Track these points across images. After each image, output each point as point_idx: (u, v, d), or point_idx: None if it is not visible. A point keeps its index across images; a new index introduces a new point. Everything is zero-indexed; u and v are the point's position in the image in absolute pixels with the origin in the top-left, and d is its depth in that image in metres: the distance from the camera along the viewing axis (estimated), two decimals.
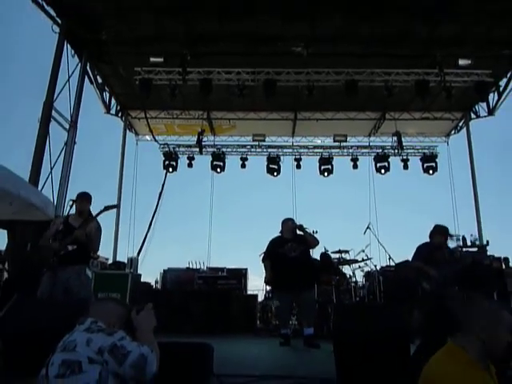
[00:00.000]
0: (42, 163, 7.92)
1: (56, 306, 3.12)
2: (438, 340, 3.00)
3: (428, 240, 5.39)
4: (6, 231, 7.01)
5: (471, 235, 7.68)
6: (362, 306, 5.62)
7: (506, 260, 8.67)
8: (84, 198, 4.86)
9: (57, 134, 8.51)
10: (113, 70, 10.04)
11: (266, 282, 5.95)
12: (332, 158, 12.28)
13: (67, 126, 8.83)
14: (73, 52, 8.96)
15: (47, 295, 4.31)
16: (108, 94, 11.34)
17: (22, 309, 3.03)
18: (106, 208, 4.79)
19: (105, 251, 10.34)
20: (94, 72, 10.16)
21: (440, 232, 5.33)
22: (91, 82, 10.29)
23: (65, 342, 2.03)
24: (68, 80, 8.77)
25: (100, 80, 10.62)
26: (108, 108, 11.47)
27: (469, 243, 7.50)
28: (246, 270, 9.35)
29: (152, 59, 9.16)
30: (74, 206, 4.86)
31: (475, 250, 7.56)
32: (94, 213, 4.84)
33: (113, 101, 11.62)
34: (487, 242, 7.73)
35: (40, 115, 7.98)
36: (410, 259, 5.51)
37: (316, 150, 12.72)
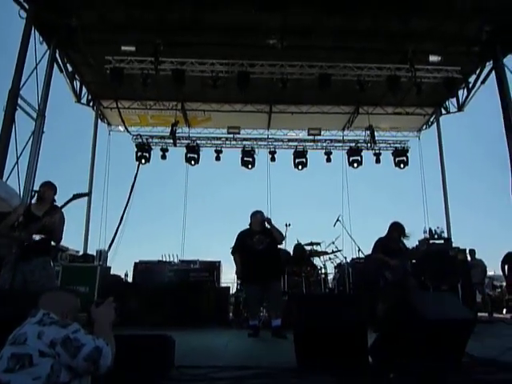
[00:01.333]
0: (7, 153, 7.67)
1: (10, 298, 3.04)
2: (396, 330, 3.09)
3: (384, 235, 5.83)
4: None
5: (437, 227, 7.91)
6: (325, 296, 5.73)
7: (472, 252, 8.97)
8: (48, 187, 4.60)
9: (24, 123, 8.28)
10: (83, 57, 9.76)
11: (236, 275, 5.98)
12: (306, 152, 12.38)
13: (35, 116, 8.58)
14: (41, 39, 8.68)
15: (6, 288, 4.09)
16: (79, 83, 11.05)
17: None
18: (75, 196, 4.45)
19: (75, 244, 10.15)
20: (63, 60, 9.88)
21: (396, 228, 5.74)
22: (61, 71, 10.01)
23: (15, 335, 1.99)
24: (35, 67, 8.51)
25: (70, 68, 10.33)
26: (79, 97, 11.19)
27: (435, 235, 7.72)
28: (219, 262, 9.35)
29: (123, 48, 8.97)
30: (38, 195, 4.54)
31: (441, 241, 7.78)
32: (60, 204, 4.50)
33: (84, 90, 11.33)
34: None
35: (5, 104, 7.73)
36: None
37: (291, 143, 12.79)
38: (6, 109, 7.67)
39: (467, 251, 8.36)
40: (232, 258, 5.79)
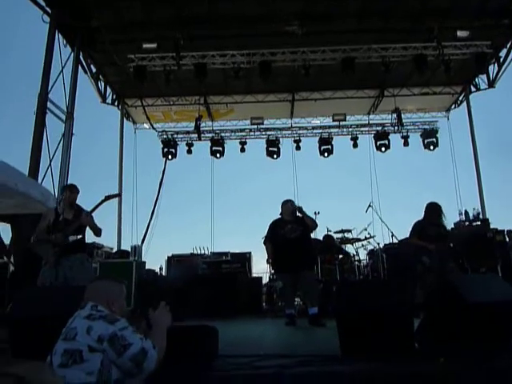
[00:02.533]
0: (40, 156, 7.88)
1: (60, 293, 3.14)
2: (441, 314, 3.02)
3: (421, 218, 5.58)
4: (9, 225, 7.06)
5: (473, 209, 7.67)
6: (364, 282, 5.66)
7: (510, 232, 8.66)
8: (70, 190, 4.84)
9: (54, 125, 8.48)
10: (106, 58, 9.92)
11: (268, 264, 5.99)
12: (332, 138, 12.21)
13: (64, 118, 8.78)
14: (64, 42, 8.85)
15: (49, 284, 4.35)
16: (103, 83, 11.23)
17: (29, 298, 3.06)
18: (107, 197, 4.75)
19: (109, 241, 10.39)
20: (87, 61, 10.04)
21: (432, 209, 5.48)
22: (85, 72, 10.18)
23: (66, 330, 2.03)
24: (62, 70, 8.68)
25: (94, 69, 10.51)
26: (104, 97, 11.38)
27: (471, 217, 7.49)
28: (249, 253, 9.40)
29: (145, 45, 9.05)
30: (64, 198, 4.82)
31: (478, 223, 7.55)
32: (93, 205, 4.75)
33: (108, 90, 11.51)
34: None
35: (35, 108, 7.93)
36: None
37: (315, 131, 12.65)
38: (37, 113, 7.87)
39: (505, 232, 8.08)
40: (264, 247, 5.80)
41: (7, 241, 7.16)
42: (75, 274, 4.48)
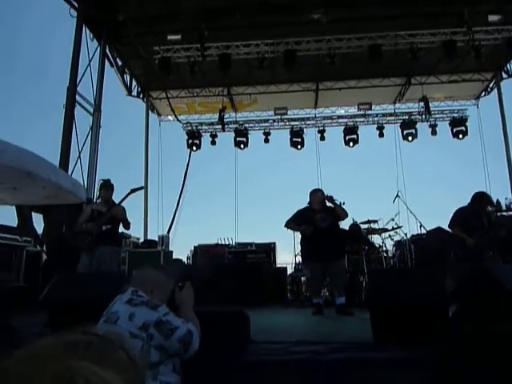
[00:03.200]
0: (70, 148, 8.09)
1: (95, 279, 3.23)
2: (475, 303, 2.96)
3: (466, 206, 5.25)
4: (41, 215, 7.28)
5: (506, 199, 7.45)
6: (396, 270, 5.59)
7: None
8: (109, 188, 5.48)
9: (82, 118, 8.67)
10: (132, 51, 10.03)
11: (300, 232, 5.78)
12: (357, 128, 12.03)
13: (91, 110, 8.95)
14: (91, 35, 9.00)
15: (86, 271, 4.80)
16: (128, 76, 11.37)
17: (63, 284, 3.16)
18: (133, 190, 5.30)
19: (135, 231, 10.60)
20: (113, 54, 10.17)
21: (480, 199, 5.16)
22: (111, 65, 10.33)
23: (108, 313, 2.09)
24: (89, 64, 8.84)
25: (120, 62, 10.65)
26: (129, 90, 11.53)
27: (504, 207, 7.28)
28: (274, 244, 9.39)
29: (169, 37, 9.08)
30: (100, 195, 5.53)
31: (511, 213, 7.33)
32: (120, 198, 5.36)
33: (134, 82, 11.66)
34: None
35: (64, 101, 8.11)
36: (443, 226, 5.45)
37: (340, 120, 12.50)
38: (66, 106, 8.05)
39: None
40: (288, 229, 5.79)
41: (40, 230, 7.40)
42: (108, 261, 4.99)
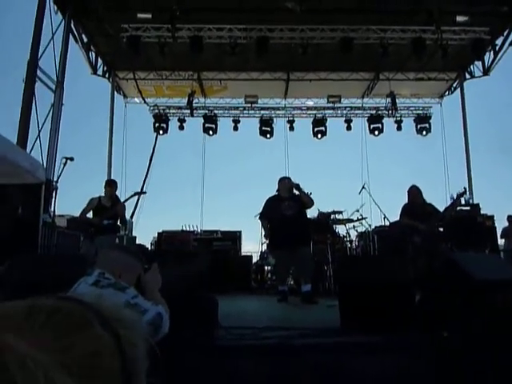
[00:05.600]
0: (29, 125, 7.66)
1: (56, 261, 3.07)
2: (439, 290, 3.06)
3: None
4: None
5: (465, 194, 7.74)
6: (365, 258, 5.72)
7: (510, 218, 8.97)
8: (113, 185, 6.28)
9: (43, 95, 8.22)
10: (98, 27, 9.55)
11: (265, 238, 6.01)
12: (326, 120, 12.14)
13: (53, 87, 8.51)
14: (56, 8, 8.51)
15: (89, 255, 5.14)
16: (94, 54, 10.88)
17: (21, 265, 2.99)
18: (135, 193, 6.39)
19: None
20: (78, 30, 9.68)
21: (413, 191, 5.74)
22: (76, 41, 9.84)
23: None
24: (52, 38, 8.36)
25: (85, 39, 10.15)
26: (94, 68, 11.04)
27: (462, 201, 7.57)
28: (240, 232, 9.38)
29: (139, 15, 8.75)
30: (105, 191, 6.17)
31: (468, 208, 7.65)
32: (123, 199, 6.38)
33: (99, 61, 11.18)
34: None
35: (24, 75, 7.66)
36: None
37: (309, 112, 12.56)
38: (26, 80, 7.60)
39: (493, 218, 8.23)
40: (260, 223, 5.80)
41: None
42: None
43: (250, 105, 12.25)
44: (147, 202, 10.33)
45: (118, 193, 6.63)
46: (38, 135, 8.05)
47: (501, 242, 8.75)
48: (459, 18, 8.92)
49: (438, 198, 7.84)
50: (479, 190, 11.08)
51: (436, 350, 2.43)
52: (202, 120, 12.08)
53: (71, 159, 6.36)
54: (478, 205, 7.79)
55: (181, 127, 12.21)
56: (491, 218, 7.56)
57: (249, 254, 9.01)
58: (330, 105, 12.19)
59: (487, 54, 10.80)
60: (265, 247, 7.94)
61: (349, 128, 12.28)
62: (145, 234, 13.69)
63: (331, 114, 12.35)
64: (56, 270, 2.66)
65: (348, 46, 8.96)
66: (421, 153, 14.63)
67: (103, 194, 6.19)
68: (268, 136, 12.11)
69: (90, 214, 6.14)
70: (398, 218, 6.26)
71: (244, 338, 2.65)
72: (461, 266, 2.77)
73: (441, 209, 5.75)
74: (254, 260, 8.51)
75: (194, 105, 11.54)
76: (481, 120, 19.40)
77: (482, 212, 7.64)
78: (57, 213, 7.79)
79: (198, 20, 8.92)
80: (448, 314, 2.71)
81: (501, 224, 8.98)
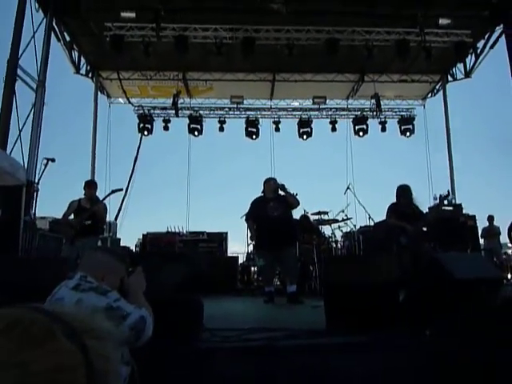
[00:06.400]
0: (9, 125, 7.50)
1: (35, 264, 2.99)
2: (426, 289, 3.08)
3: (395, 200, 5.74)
4: None
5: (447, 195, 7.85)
6: (350, 258, 5.73)
7: (490, 218, 9.17)
8: (92, 186, 6.10)
9: (24, 95, 8.05)
10: (81, 26, 9.41)
11: (251, 240, 6.00)
12: (311, 121, 12.19)
13: (35, 86, 8.34)
14: (37, 6, 8.34)
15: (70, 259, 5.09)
16: (77, 53, 10.71)
17: (3, 265, 2.91)
18: (113, 191, 6.06)
19: None
20: (60, 28, 9.52)
21: (402, 191, 5.65)
22: (58, 40, 9.67)
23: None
24: (33, 36, 8.20)
25: (68, 37, 9.98)
26: (77, 68, 10.87)
27: (445, 202, 7.68)
28: (226, 233, 9.35)
29: (123, 14, 8.64)
30: (84, 193, 6.00)
31: (451, 208, 7.76)
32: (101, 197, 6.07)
33: (82, 60, 11.00)
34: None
35: (4, 74, 7.49)
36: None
37: (295, 113, 12.59)
38: (6, 79, 7.43)
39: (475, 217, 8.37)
40: (246, 224, 5.77)
41: None
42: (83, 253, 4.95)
43: (235, 105, 12.22)
44: (132, 203, 10.19)
45: (101, 194, 6.51)
46: (19, 135, 7.88)
47: (482, 240, 8.96)
48: (442, 21, 9.05)
49: (422, 199, 7.94)
50: (461, 190, 11.29)
51: (421, 348, 2.44)
52: (187, 120, 11.99)
53: (52, 160, 6.26)
54: (460, 205, 7.92)
55: (166, 128, 12.10)
56: (473, 217, 7.70)
57: (235, 255, 8.98)
58: (316, 106, 12.25)
59: (469, 57, 11.01)
60: (251, 248, 7.91)
61: (334, 129, 12.35)
62: (129, 236, 13.52)
63: (316, 115, 12.40)
64: (36, 274, 2.58)
65: (334, 48, 9.02)
66: (405, 154, 14.81)
67: (83, 196, 6.04)
68: (254, 137, 12.08)
69: (72, 218, 6.02)
70: (383, 218, 6.31)
71: (229, 340, 2.62)
72: (444, 265, 2.79)
73: (424, 210, 5.81)
74: (241, 261, 8.50)
75: (179, 105, 11.45)
76: (463, 120, 19.75)
77: (464, 212, 7.78)
78: (39, 215, 7.65)
79: (183, 19, 8.87)
80: (432, 312, 2.73)
81: (482, 224, 9.21)
